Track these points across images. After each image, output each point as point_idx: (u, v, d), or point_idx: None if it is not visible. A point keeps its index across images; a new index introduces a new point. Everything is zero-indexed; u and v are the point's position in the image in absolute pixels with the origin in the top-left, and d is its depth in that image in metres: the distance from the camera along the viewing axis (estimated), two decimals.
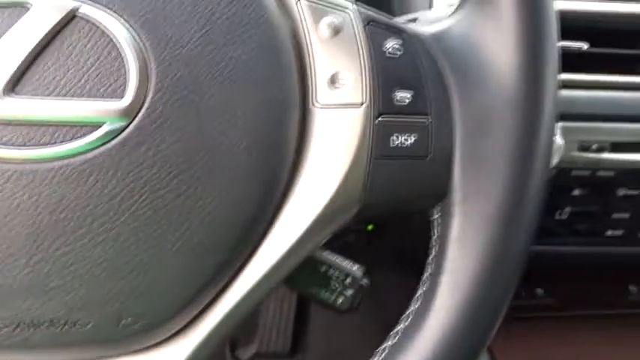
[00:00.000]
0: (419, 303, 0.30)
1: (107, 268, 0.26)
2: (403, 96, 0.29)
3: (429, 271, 0.30)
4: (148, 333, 0.27)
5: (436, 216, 0.30)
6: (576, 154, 0.53)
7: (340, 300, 0.37)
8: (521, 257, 0.30)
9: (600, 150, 0.53)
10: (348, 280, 0.37)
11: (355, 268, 0.37)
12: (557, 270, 0.67)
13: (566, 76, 0.53)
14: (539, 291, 0.69)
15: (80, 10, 0.25)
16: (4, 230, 0.25)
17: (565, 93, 0.53)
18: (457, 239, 0.29)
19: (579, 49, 0.53)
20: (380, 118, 0.28)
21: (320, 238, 0.29)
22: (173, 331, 0.28)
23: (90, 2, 0.25)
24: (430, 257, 0.30)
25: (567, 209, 0.58)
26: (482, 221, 0.28)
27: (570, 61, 0.54)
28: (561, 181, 0.56)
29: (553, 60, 0.30)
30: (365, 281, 0.37)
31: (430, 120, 0.29)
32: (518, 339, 0.66)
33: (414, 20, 0.43)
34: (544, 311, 0.70)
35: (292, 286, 0.36)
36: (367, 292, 0.37)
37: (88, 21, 0.25)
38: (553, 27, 0.30)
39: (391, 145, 0.28)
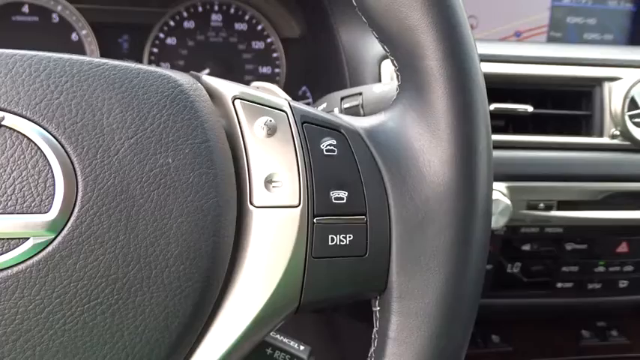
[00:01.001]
0: None
1: None
2: (339, 196, 0.29)
3: None
4: None
5: (377, 308, 0.31)
6: (524, 212, 0.55)
7: None
8: (461, 349, 0.30)
9: (548, 208, 0.54)
10: None
11: (302, 349, 0.37)
12: (512, 319, 0.68)
13: (512, 138, 0.55)
14: (495, 338, 0.70)
15: (4, 121, 0.25)
16: None
17: (511, 154, 0.54)
18: (395, 338, 0.29)
19: (525, 110, 0.54)
20: (316, 219, 0.28)
21: (260, 335, 0.29)
22: None
23: (15, 113, 0.25)
24: (371, 350, 0.30)
25: (518, 264, 0.59)
26: (419, 320, 0.29)
27: (517, 123, 0.56)
28: (511, 237, 0.57)
29: (485, 146, 0.30)
30: None
31: (366, 219, 0.29)
32: None
33: (359, 94, 0.43)
34: (502, 358, 0.70)
35: None
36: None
37: (14, 131, 0.25)
38: (485, 118, 0.30)
39: (329, 243, 0.29)
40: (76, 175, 0.25)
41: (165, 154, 0.26)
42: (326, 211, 0.29)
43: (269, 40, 0.68)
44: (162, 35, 0.67)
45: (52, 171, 0.25)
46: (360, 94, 0.43)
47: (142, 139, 0.26)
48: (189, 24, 0.67)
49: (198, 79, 0.29)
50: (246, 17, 0.68)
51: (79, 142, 0.25)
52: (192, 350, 0.28)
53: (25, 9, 0.63)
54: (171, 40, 0.67)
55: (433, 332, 0.29)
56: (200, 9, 0.67)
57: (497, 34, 0.83)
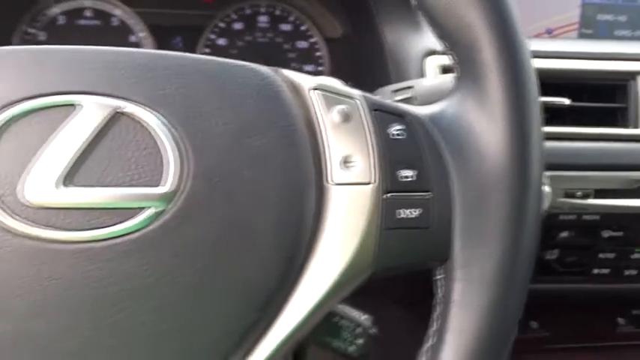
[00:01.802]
0: (429, 354, 0.33)
1: (150, 333, 0.29)
2: (407, 175, 0.32)
3: (434, 327, 0.33)
4: None
5: (439, 277, 0.34)
6: (563, 200, 0.57)
7: (351, 348, 0.40)
8: (518, 313, 0.33)
9: (585, 196, 0.57)
10: (359, 330, 0.40)
11: (364, 318, 0.40)
12: (549, 305, 0.71)
13: (552, 129, 0.57)
14: (533, 324, 0.72)
15: (124, 110, 0.29)
16: (62, 303, 0.28)
17: (551, 144, 0.57)
18: (459, 302, 0.32)
19: (562, 103, 0.57)
20: (387, 195, 0.32)
21: (336, 301, 0.33)
22: None
23: (134, 102, 0.29)
24: (435, 314, 0.34)
25: (556, 250, 0.62)
26: (482, 285, 0.32)
27: (555, 115, 0.59)
28: (550, 224, 0.60)
29: (537, 131, 0.33)
30: (373, 330, 0.40)
31: (431, 195, 0.33)
32: None
33: (410, 87, 0.47)
34: (538, 344, 0.73)
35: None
36: (376, 339, 0.40)
37: (131, 118, 0.29)
38: (536, 106, 0.33)
39: (397, 217, 0.32)
40: (187, 153, 0.29)
41: (260, 135, 0.30)
42: (395, 188, 0.32)
43: (312, 40, 0.72)
44: (213, 36, 0.71)
45: (165, 150, 0.29)
46: (412, 87, 0.46)
47: (237, 123, 0.30)
48: (238, 25, 0.71)
49: (277, 72, 0.33)
50: (291, 18, 0.72)
51: (188, 126, 0.29)
52: (278, 311, 0.31)
53: (88, 13, 0.68)
54: (221, 41, 0.71)
55: (493, 297, 0.32)
56: (248, 11, 0.71)
57: (529, 32, 0.86)
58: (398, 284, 0.57)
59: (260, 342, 0.31)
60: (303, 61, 0.72)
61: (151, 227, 0.28)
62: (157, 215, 0.29)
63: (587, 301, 0.69)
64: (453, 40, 0.34)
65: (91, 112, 0.29)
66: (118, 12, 0.68)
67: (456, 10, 0.33)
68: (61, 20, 0.68)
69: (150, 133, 0.29)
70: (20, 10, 0.66)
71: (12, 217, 0.28)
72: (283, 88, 0.32)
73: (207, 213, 0.29)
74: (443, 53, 0.56)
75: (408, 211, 0.32)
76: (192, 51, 0.70)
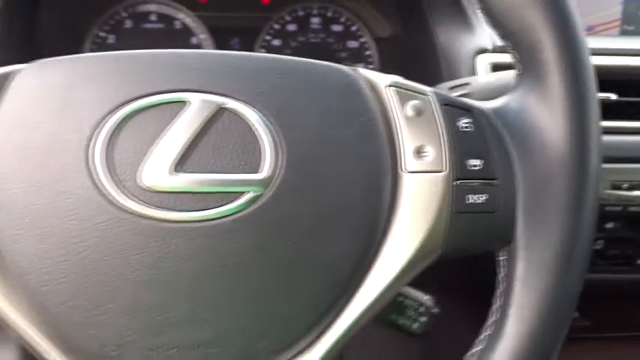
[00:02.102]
0: (491, 330, 0.36)
1: (248, 305, 0.33)
2: (475, 164, 0.35)
3: (497, 303, 0.37)
4: (278, 353, 0.34)
5: (502, 258, 0.37)
6: (609, 191, 0.60)
7: (415, 326, 0.43)
8: (577, 293, 0.36)
9: (631, 188, 0.59)
10: (422, 309, 0.43)
11: (427, 298, 0.44)
12: (591, 295, 0.73)
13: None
14: (576, 314, 0.74)
15: (227, 105, 0.33)
16: (172, 275, 0.32)
17: None
18: (522, 279, 0.35)
19: (608, 98, 0.59)
20: (457, 182, 0.35)
21: (408, 279, 0.36)
22: (295, 353, 0.35)
23: (234, 99, 0.33)
24: (498, 292, 0.37)
25: (601, 241, 0.64)
26: (543, 265, 0.35)
27: (602, 110, 0.61)
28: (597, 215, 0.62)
29: (596, 126, 0.36)
30: (435, 310, 0.44)
31: (497, 182, 0.36)
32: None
33: (467, 84, 0.50)
34: (580, 332, 0.75)
35: None
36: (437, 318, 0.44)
37: (232, 112, 0.33)
38: (595, 102, 0.36)
39: (466, 202, 0.35)
40: (280, 144, 0.33)
41: (344, 128, 0.34)
42: (464, 175, 0.35)
43: (362, 40, 0.75)
44: (268, 37, 0.75)
45: (262, 141, 0.33)
46: (468, 83, 0.49)
47: (324, 117, 0.34)
48: (291, 27, 0.75)
49: (355, 71, 0.37)
50: (342, 19, 0.75)
51: (282, 120, 0.33)
52: (357, 287, 0.35)
53: (153, 17, 0.73)
54: (276, 42, 0.75)
55: (554, 276, 0.35)
56: (301, 13, 0.75)
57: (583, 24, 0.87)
58: (459, 267, 0.60)
59: (342, 313, 0.35)
60: (354, 60, 0.75)
61: (250, 209, 0.32)
62: (255, 199, 0.32)
63: (631, 291, 0.71)
64: (516, 40, 0.37)
65: (199, 108, 0.33)
66: (180, 16, 0.73)
67: (519, 12, 0.36)
68: (128, 24, 0.73)
69: (249, 126, 0.33)
70: (93, 15, 0.71)
71: (131, 199, 0.32)
72: (363, 85, 0.35)
73: (298, 197, 0.33)
74: (494, 51, 0.59)
75: (475, 197, 0.35)
76: (249, 51, 0.74)
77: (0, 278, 0.33)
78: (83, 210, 0.32)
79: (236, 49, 0.75)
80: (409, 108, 0.36)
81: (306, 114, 0.34)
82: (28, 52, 0.66)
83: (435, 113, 0.36)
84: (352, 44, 0.76)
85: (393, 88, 0.36)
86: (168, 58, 0.34)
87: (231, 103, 0.33)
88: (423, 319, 0.43)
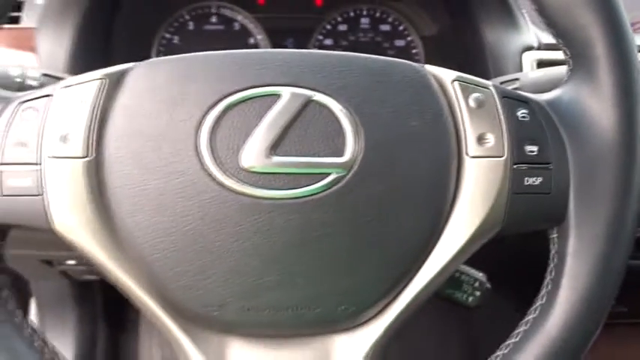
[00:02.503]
0: (545, 299, 0.40)
1: (331, 272, 0.38)
2: (532, 149, 0.39)
3: (550, 276, 0.41)
4: (356, 316, 0.39)
5: (554, 235, 0.41)
6: None
7: (470, 299, 0.47)
8: (623, 268, 0.40)
9: None
10: (476, 284, 0.47)
11: (481, 275, 0.48)
12: (629, 281, 0.76)
13: None
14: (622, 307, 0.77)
15: (314, 97, 0.38)
16: (265, 245, 0.37)
17: None
18: (573, 254, 0.39)
19: None
20: (515, 166, 0.39)
21: (469, 254, 0.40)
22: (372, 315, 0.39)
23: (320, 92, 0.38)
24: (550, 266, 0.41)
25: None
26: (593, 241, 0.39)
27: None
28: None
29: None
30: (488, 285, 0.48)
31: (552, 166, 0.40)
32: (601, 340, 0.74)
33: (517, 79, 0.54)
34: (615, 318, 0.77)
35: None
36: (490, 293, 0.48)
37: (319, 104, 0.38)
38: None
39: (524, 184, 0.39)
40: (360, 131, 0.37)
41: (415, 117, 0.38)
42: (522, 160, 0.39)
43: (409, 39, 0.80)
44: (321, 37, 0.80)
45: (344, 129, 0.37)
46: (518, 79, 0.53)
47: (397, 108, 0.38)
48: (342, 27, 0.80)
49: (423, 67, 0.41)
50: (390, 19, 0.80)
51: (362, 110, 0.38)
52: (425, 259, 0.39)
53: (213, 19, 0.78)
54: (328, 41, 0.80)
55: (603, 250, 0.39)
56: (352, 14, 0.80)
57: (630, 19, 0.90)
58: (510, 247, 0.64)
59: (413, 281, 0.39)
60: (401, 57, 0.79)
61: (333, 188, 0.37)
62: (338, 179, 0.37)
63: None
64: (569, 38, 0.41)
65: (290, 100, 0.37)
66: (239, 17, 0.78)
67: (573, 12, 0.40)
68: (191, 26, 0.78)
69: (333, 115, 0.38)
70: (160, 19, 0.77)
71: (232, 179, 0.37)
72: (431, 80, 0.40)
73: (375, 178, 0.37)
74: (539, 49, 0.62)
75: (532, 179, 0.39)
76: None
77: (116, 249, 0.38)
78: (191, 188, 0.37)
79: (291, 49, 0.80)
80: (472, 100, 0.40)
81: (382, 105, 0.38)
82: (103, 56, 0.72)
83: (496, 104, 0.40)
84: (399, 43, 0.80)
85: (457, 82, 0.40)
86: (263, 57, 0.39)
87: (317, 96, 0.38)
88: (478, 293, 0.47)
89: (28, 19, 0.67)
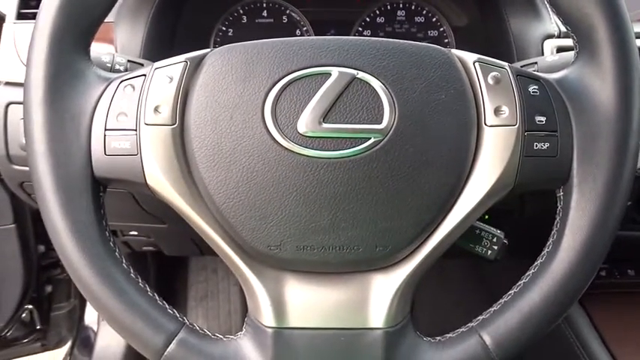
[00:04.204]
0: (550, 247, 0.47)
1: (371, 218, 0.46)
2: (540, 119, 0.47)
3: (556, 227, 0.48)
4: (390, 256, 0.47)
5: (561, 193, 0.48)
6: None
7: (489, 252, 0.55)
8: (619, 218, 0.47)
9: None
10: (495, 239, 0.55)
11: (499, 232, 0.55)
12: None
13: None
14: (631, 272, 0.83)
15: (358, 75, 0.46)
16: (317, 195, 0.46)
17: None
18: (575, 207, 0.46)
19: None
20: (526, 133, 0.47)
21: (486, 207, 0.48)
22: (403, 256, 0.48)
23: (363, 71, 0.46)
24: (557, 220, 0.48)
25: None
26: (593, 195, 0.46)
27: None
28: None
29: (638, 92, 0.47)
30: (505, 241, 0.55)
31: (557, 133, 0.47)
32: (614, 307, 0.80)
33: (535, 63, 0.61)
34: (633, 287, 0.83)
35: (457, 242, 0.55)
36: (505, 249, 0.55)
37: (362, 81, 0.46)
38: (638, 73, 0.47)
39: (534, 148, 0.47)
40: (394, 103, 0.46)
41: (442, 92, 0.46)
42: (532, 128, 0.47)
43: (442, 29, 0.87)
44: (360, 29, 0.88)
45: (382, 103, 0.46)
46: (536, 62, 0.60)
47: (428, 84, 0.46)
48: (380, 19, 0.87)
49: (449, 51, 0.49)
50: (424, 12, 0.87)
51: (396, 86, 0.46)
52: (449, 210, 0.47)
53: (264, 13, 0.87)
54: (367, 32, 0.88)
55: (601, 205, 0.46)
56: (389, 7, 0.87)
57: (634, 16, 0.95)
58: (521, 207, 0.72)
59: (440, 226, 0.47)
60: None
61: (373, 149, 0.45)
62: (377, 142, 0.45)
63: None
64: (575, 25, 0.48)
65: (338, 78, 0.46)
66: (287, 11, 0.87)
67: (579, 3, 0.47)
68: (244, 19, 0.88)
69: (373, 90, 0.46)
70: (218, 13, 0.86)
71: (290, 142, 0.46)
72: (455, 61, 0.48)
73: (408, 141, 0.46)
74: (558, 37, 0.69)
75: (540, 144, 0.47)
76: None
77: (196, 199, 0.47)
78: (257, 149, 0.46)
79: None
80: (490, 78, 0.47)
81: (414, 82, 0.46)
82: (169, 45, 0.82)
83: (511, 81, 0.47)
84: (432, 33, 0.87)
85: (478, 63, 0.48)
86: (316, 42, 0.48)
87: (361, 74, 0.46)
88: (495, 247, 0.55)
89: None
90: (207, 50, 0.49)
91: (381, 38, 0.48)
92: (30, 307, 1.26)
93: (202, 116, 0.47)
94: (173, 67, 0.48)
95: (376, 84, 0.46)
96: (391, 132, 0.46)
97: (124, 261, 0.48)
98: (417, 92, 0.46)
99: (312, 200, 0.46)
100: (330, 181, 0.46)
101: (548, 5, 0.50)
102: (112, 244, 0.48)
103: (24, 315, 1.29)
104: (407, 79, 0.46)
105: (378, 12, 0.88)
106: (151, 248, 1.12)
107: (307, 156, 0.46)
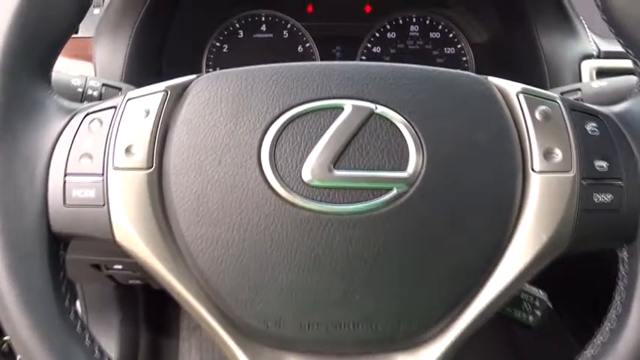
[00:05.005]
0: (614, 323, 0.38)
1: (391, 290, 0.37)
2: (601, 165, 0.38)
3: (619, 298, 0.39)
4: (417, 334, 0.38)
5: (624, 254, 0.39)
6: None
7: (531, 319, 0.46)
8: None
9: None
10: (537, 303, 0.46)
11: (542, 293, 0.46)
12: None
13: None
14: None
15: (376, 110, 0.37)
16: (325, 261, 0.36)
17: None
18: None
19: None
20: (584, 182, 0.38)
21: (535, 271, 0.39)
22: (432, 334, 0.38)
23: (383, 105, 0.37)
24: (620, 287, 0.39)
25: None
26: None
27: None
28: None
29: None
30: (550, 305, 0.46)
31: (622, 183, 0.38)
32: None
33: (578, 90, 0.52)
34: None
35: None
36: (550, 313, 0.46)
37: (381, 117, 0.37)
38: None
39: (594, 201, 0.38)
40: (422, 145, 0.37)
41: (479, 131, 0.37)
42: (591, 175, 0.38)
43: (459, 46, 0.78)
44: (369, 45, 0.79)
45: (406, 144, 0.37)
46: (579, 89, 0.51)
47: (461, 121, 0.37)
48: (391, 35, 0.79)
49: (486, 79, 0.40)
50: (440, 27, 0.79)
51: (425, 124, 0.37)
52: (486, 280, 0.38)
53: (263, 27, 0.79)
54: (376, 49, 0.79)
55: None
56: (401, 21, 0.79)
57: None
58: (573, 264, 0.62)
59: (476, 298, 0.38)
60: (451, 65, 0.78)
61: (395, 204, 0.36)
62: (401, 194, 0.36)
63: None
64: (638, 49, 0.39)
65: (353, 113, 0.37)
66: (288, 25, 0.79)
67: None
68: (241, 34, 0.79)
69: (396, 128, 0.37)
70: (212, 27, 0.78)
71: (293, 193, 0.37)
72: (495, 92, 0.39)
73: (438, 194, 0.37)
74: (598, 57, 0.60)
75: (601, 196, 0.38)
76: (352, 59, 0.79)
77: (175, 260, 0.38)
78: (252, 201, 0.37)
79: (339, 57, 0.80)
80: (538, 113, 0.39)
81: (445, 118, 0.37)
82: (156, 64, 0.73)
83: (564, 118, 0.39)
84: (449, 50, 0.79)
85: (523, 95, 0.39)
86: (326, 69, 0.39)
87: (380, 109, 0.37)
88: (538, 312, 0.46)
89: (85, 28, 0.68)
90: (192, 77, 0.40)
91: (405, 64, 0.39)
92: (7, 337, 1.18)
93: (185, 159, 0.38)
94: (150, 97, 0.39)
95: (399, 121, 0.37)
96: (418, 181, 0.37)
97: (87, 337, 0.39)
98: (449, 131, 0.37)
99: (320, 266, 0.37)
100: (342, 242, 0.37)
101: (609, 27, 0.41)
102: (72, 317, 0.39)
103: (3, 346, 1.21)
104: (437, 114, 0.37)
105: (388, 27, 0.79)
106: (137, 282, 1.03)
107: (314, 211, 0.37)
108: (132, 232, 0.38)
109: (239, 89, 0.38)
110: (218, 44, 0.79)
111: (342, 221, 0.37)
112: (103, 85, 0.52)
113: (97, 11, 0.69)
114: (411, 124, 0.37)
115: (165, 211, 0.38)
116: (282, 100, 0.38)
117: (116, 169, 0.38)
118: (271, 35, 0.79)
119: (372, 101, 0.37)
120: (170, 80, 0.40)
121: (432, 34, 0.79)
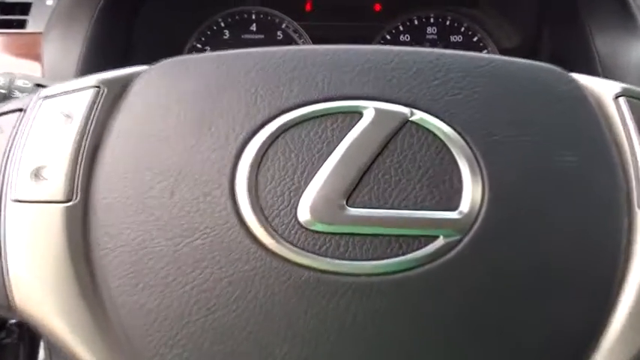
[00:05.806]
0: None
1: None
2: None
3: None
4: None
5: None
6: None
7: None
8: None
9: None
10: None
11: None
12: None
13: None
14: None
15: (412, 118, 0.25)
16: (338, 343, 0.24)
17: None
18: None
19: None
20: None
21: None
22: None
23: (421, 109, 0.25)
24: None
25: None
26: None
27: None
28: None
29: None
30: None
31: None
32: None
33: None
34: None
35: None
36: None
37: (420, 127, 0.25)
38: None
39: None
40: (481, 171, 0.24)
41: (567, 150, 0.25)
42: None
43: (485, 51, 0.66)
44: None
45: (458, 169, 0.24)
46: None
47: (540, 134, 0.25)
48: (405, 37, 0.67)
49: (571, 75, 0.28)
50: (462, 29, 0.67)
51: (482, 138, 0.24)
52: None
53: (253, 27, 0.67)
54: None
55: None
56: (416, 22, 0.67)
57: None
58: None
59: None
60: None
61: (441, 260, 0.24)
62: (449, 246, 0.24)
63: None
64: None
65: (376, 120, 0.24)
66: (282, 25, 0.66)
67: None
68: (226, 34, 0.67)
69: (443, 145, 0.24)
70: (191, 26, 0.65)
71: (285, 242, 0.24)
72: (588, 94, 0.26)
73: (507, 244, 0.24)
74: None
75: None
76: None
77: (105, 342, 0.25)
78: (222, 255, 0.24)
79: None
80: None
81: (514, 129, 0.25)
82: (117, 67, 0.60)
83: None
84: None
85: (625, 99, 0.27)
86: (331, 56, 0.26)
87: (419, 115, 0.25)
88: None
89: (34, 22, 0.56)
90: (138, 68, 0.28)
91: (452, 51, 0.27)
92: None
93: (122, 189, 0.25)
94: (74, 96, 0.27)
95: (446, 134, 0.24)
96: (477, 226, 0.24)
97: None
98: (520, 150, 0.25)
99: (326, 354, 0.24)
100: (359, 320, 0.24)
101: None
102: None
103: None
104: (502, 123, 0.25)
105: (401, 28, 0.67)
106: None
107: (316, 269, 0.24)
108: (39, 296, 0.25)
109: (206, 85, 0.26)
110: (199, 46, 0.67)
111: (360, 286, 0.24)
112: (36, 85, 0.39)
113: (50, 2, 0.57)
114: (464, 140, 0.24)
115: (91, 266, 0.25)
116: (269, 100, 0.25)
117: (17, 201, 0.25)
118: (262, 36, 0.67)
119: (405, 104, 0.25)
120: (105, 72, 0.27)
121: (452, 37, 0.67)
